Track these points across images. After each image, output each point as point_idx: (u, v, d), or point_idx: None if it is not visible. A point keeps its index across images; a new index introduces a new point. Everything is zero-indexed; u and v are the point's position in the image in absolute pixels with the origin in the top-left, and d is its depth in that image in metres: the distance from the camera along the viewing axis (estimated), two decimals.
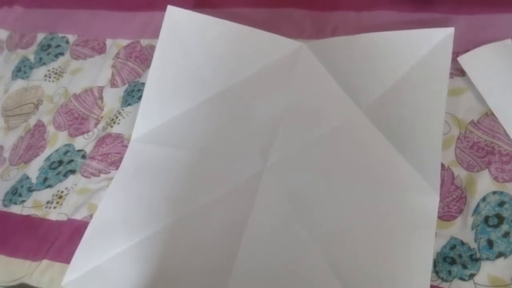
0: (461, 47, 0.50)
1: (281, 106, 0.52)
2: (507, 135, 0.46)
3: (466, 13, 0.53)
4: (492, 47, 0.50)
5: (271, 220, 0.46)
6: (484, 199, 0.43)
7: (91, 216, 0.50)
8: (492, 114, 0.47)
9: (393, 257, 0.42)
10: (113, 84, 0.62)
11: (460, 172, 0.45)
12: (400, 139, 0.46)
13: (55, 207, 0.53)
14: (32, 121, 0.62)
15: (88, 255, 0.48)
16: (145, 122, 0.55)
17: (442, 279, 0.41)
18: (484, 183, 0.44)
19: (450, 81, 0.49)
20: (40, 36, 0.70)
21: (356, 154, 0.48)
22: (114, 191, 0.51)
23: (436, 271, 0.41)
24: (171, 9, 0.56)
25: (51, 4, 0.72)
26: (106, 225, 0.49)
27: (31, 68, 0.68)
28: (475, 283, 0.40)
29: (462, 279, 0.40)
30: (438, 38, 0.49)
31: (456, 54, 0.50)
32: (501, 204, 0.43)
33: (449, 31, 0.49)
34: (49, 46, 0.68)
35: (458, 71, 0.50)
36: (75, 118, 0.60)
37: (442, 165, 0.45)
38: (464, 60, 0.49)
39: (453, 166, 0.46)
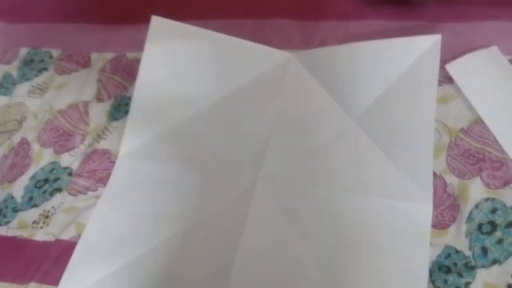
0: (449, 54, 0.51)
1: (272, 118, 0.52)
2: (497, 141, 0.46)
3: (453, 20, 0.54)
4: (479, 54, 0.50)
5: (265, 234, 0.46)
6: (477, 206, 0.43)
7: (79, 235, 0.49)
8: (482, 121, 0.47)
9: (389, 268, 0.42)
10: (99, 98, 0.61)
11: (452, 180, 0.45)
12: (392, 148, 0.46)
13: (41, 227, 0.51)
14: (16, 138, 0.60)
15: (78, 277, 0.46)
16: (133, 137, 0.54)
17: None
18: (477, 190, 0.44)
19: (439, 89, 0.49)
20: (23, 51, 0.69)
21: (349, 165, 0.47)
22: (103, 209, 0.50)
23: (432, 280, 0.41)
24: (156, 20, 0.55)
25: (34, 19, 0.71)
26: (95, 244, 0.48)
27: (14, 84, 0.66)
28: None
29: (458, 287, 0.40)
30: (426, 45, 0.49)
31: (444, 61, 0.50)
32: (494, 211, 0.43)
33: (436, 38, 0.49)
34: (32, 61, 0.67)
35: (446, 79, 0.50)
36: (61, 135, 0.59)
37: (434, 173, 0.45)
38: (452, 67, 0.50)
39: (445, 174, 0.46)
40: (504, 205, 0.43)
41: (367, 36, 0.51)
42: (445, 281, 0.41)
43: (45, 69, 0.66)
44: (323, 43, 0.57)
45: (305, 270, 0.43)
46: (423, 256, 0.41)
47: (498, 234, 0.42)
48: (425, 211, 0.43)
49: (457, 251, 0.42)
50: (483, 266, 0.41)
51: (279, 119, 0.52)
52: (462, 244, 0.42)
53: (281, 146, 0.50)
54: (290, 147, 0.50)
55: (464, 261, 0.41)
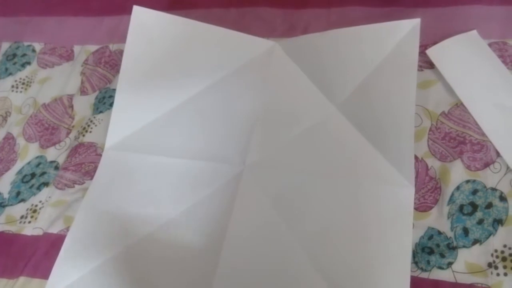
0: (429, 39, 0.51)
1: (257, 106, 0.52)
2: (477, 124, 0.47)
3: (432, 5, 0.54)
4: (459, 38, 0.50)
5: (252, 221, 0.46)
6: (458, 188, 0.44)
7: (67, 229, 0.49)
8: (462, 104, 0.48)
9: (373, 251, 0.42)
10: (83, 91, 0.60)
11: (433, 163, 0.46)
12: (374, 133, 0.47)
13: (29, 222, 0.52)
14: (1, 134, 0.60)
15: (67, 269, 0.46)
16: (118, 129, 0.54)
17: (422, 269, 0.42)
18: (457, 173, 0.45)
19: (420, 74, 0.49)
20: (5, 46, 0.68)
21: (333, 151, 0.48)
22: (90, 201, 0.50)
23: (415, 261, 0.42)
24: (137, 10, 0.55)
25: (15, 12, 0.70)
26: (84, 237, 0.48)
27: None
28: (453, 271, 0.41)
29: (440, 267, 0.41)
30: (405, 29, 0.50)
31: (424, 46, 0.51)
32: (474, 192, 0.44)
33: (415, 22, 0.49)
34: (14, 55, 0.66)
35: (427, 64, 0.51)
36: (46, 129, 0.59)
37: (416, 157, 0.46)
38: (433, 52, 0.50)
39: (427, 158, 0.46)
40: (484, 186, 0.44)
41: (349, 22, 0.51)
42: (428, 262, 0.42)
43: (28, 63, 0.65)
44: (306, 30, 0.57)
45: (292, 255, 0.44)
46: (406, 238, 0.42)
47: (478, 214, 0.43)
48: (408, 194, 0.44)
49: (439, 233, 0.43)
50: (464, 246, 0.42)
51: (264, 108, 0.52)
52: (444, 225, 0.43)
53: (266, 134, 0.50)
54: (275, 135, 0.50)
55: (446, 242, 0.42)
